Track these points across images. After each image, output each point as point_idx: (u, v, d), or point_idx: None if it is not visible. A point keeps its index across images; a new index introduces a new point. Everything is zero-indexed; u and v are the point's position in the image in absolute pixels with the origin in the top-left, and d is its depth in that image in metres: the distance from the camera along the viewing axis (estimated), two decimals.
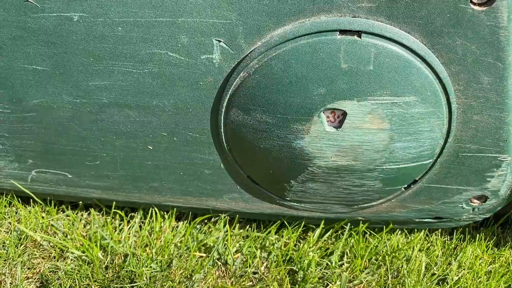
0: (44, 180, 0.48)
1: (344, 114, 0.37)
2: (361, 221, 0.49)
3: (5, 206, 0.53)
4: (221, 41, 0.36)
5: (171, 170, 0.45)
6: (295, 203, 0.46)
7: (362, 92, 0.35)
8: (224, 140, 0.41)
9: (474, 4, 0.32)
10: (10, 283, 0.46)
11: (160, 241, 0.50)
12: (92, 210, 0.52)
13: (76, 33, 0.36)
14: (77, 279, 0.45)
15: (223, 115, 0.40)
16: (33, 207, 0.53)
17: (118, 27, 0.36)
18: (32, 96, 0.41)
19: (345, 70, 0.35)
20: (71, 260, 0.48)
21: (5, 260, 0.48)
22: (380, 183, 0.42)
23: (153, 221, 0.51)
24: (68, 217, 0.53)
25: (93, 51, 0.37)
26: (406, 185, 0.43)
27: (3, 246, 0.50)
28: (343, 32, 0.34)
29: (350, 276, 0.48)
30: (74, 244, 0.49)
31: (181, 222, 0.52)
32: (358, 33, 0.34)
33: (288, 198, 0.45)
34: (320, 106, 0.36)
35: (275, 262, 0.49)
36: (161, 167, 0.45)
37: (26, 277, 0.47)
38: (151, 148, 0.43)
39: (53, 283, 0.46)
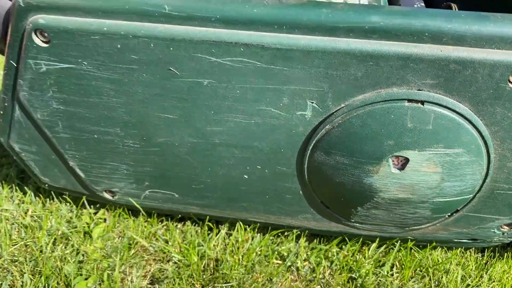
0: (155, 198, 0.60)
1: (407, 159, 0.48)
2: (409, 239, 0.59)
3: (117, 216, 0.65)
4: (313, 103, 0.47)
5: (259, 194, 0.56)
6: (357, 224, 0.57)
7: (422, 145, 0.46)
8: (306, 174, 0.53)
9: None
10: (130, 280, 0.58)
11: (243, 249, 0.62)
12: (188, 222, 0.64)
13: (203, 94, 0.48)
14: (183, 278, 0.57)
15: (308, 155, 0.51)
16: (137, 218, 0.65)
17: (237, 90, 0.47)
18: (159, 136, 0.53)
19: (410, 128, 0.46)
20: (173, 263, 0.60)
21: (123, 263, 0.60)
22: (429, 212, 0.52)
23: (237, 232, 0.63)
24: (165, 227, 0.65)
25: (214, 106, 0.49)
26: (449, 213, 0.54)
27: (116, 249, 0.62)
28: (410, 100, 0.45)
29: (399, 283, 0.59)
30: (174, 249, 0.61)
31: (258, 234, 0.64)
32: (422, 102, 0.45)
33: (352, 220, 0.56)
34: (388, 153, 0.47)
35: (338, 270, 0.60)
36: (251, 192, 0.56)
37: (139, 275, 0.59)
38: (246, 177, 0.55)
39: (163, 281, 0.58)
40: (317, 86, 0.46)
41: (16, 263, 0.58)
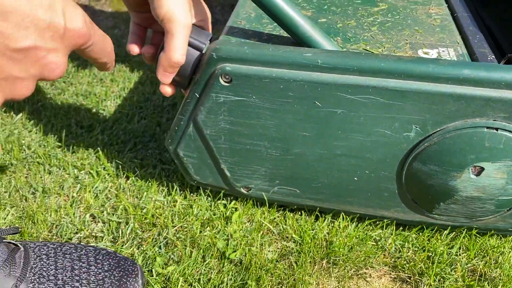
0: (280, 193, 0.80)
1: (482, 168, 0.67)
2: (474, 228, 0.79)
3: (247, 206, 0.85)
4: (417, 127, 0.66)
5: (364, 192, 0.76)
6: (437, 216, 0.76)
7: (495, 158, 0.65)
8: (403, 178, 0.72)
9: None
10: (265, 253, 0.78)
11: (344, 233, 0.81)
12: (299, 211, 0.84)
13: (335, 119, 0.68)
14: (306, 252, 0.77)
15: (407, 164, 0.70)
16: (260, 208, 0.85)
17: (361, 117, 0.67)
18: (296, 148, 0.72)
19: (487, 147, 0.65)
20: (293, 242, 0.80)
21: (257, 241, 0.80)
22: (494, 207, 0.71)
23: (338, 221, 0.82)
24: (281, 215, 0.85)
25: (341, 128, 0.68)
26: (508, 208, 0.73)
27: (248, 231, 0.82)
28: (488, 127, 0.64)
29: (466, 261, 0.78)
30: (292, 232, 0.81)
31: (354, 223, 0.83)
32: (496, 129, 0.64)
33: (433, 213, 0.75)
34: (470, 164, 0.66)
35: (418, 250, 0.79)
36: (358, 190, 0.76)
37: (271, 250, 0.79)
38: (356, 179, 0.74)
39: (289, 254, 0.77)
40: (421, 115, 0.65)
41: (179, 239, 0.79)
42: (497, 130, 0.64)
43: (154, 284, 0.72)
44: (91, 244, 0.77)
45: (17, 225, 0.78)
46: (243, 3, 0.83)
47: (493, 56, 0.71)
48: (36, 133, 1.03)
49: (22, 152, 0.97)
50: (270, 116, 0.69)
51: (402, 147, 0.69)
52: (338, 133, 0.69)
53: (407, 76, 0.63)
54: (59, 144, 0.99)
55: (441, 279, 0.75)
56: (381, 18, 0.79)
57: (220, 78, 0.67)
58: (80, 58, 1.32)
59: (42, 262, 0.69)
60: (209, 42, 0.69)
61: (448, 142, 0.66)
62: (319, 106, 0.67)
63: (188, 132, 0.75)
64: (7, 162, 0.94)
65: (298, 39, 0.68)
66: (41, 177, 0.90)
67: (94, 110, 1.11)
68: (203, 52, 0.68)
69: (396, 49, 0.70)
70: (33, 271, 0.67)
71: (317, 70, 0.65)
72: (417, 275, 0.75)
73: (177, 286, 0.71)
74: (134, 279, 0.69)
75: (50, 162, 0.94)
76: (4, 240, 0.69)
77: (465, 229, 0.80)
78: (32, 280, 0.66)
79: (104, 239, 0.79)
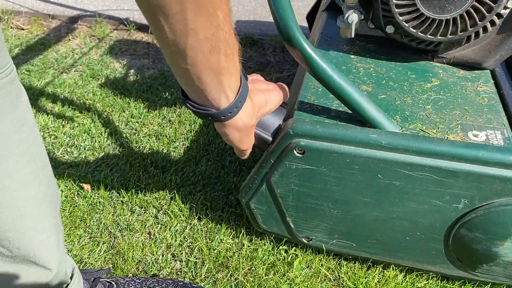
0: (338, 245, 0.91)
1: None
2: None
3: (306, 253, 0.96)
4: (465, 200, 0.76)
5: (414, 249, 0.86)
6: (479, 274, 0.85)
7: None
8: (450, 240, 0.82)
9: None
10: None
11: (393, 283, 0.91)
12: (352, 260, 0.95)
13: (394, 189, 0.78)
14: None
15: (455, 230, 0.80)
16: (317, 255, 0.96)
17: (416, 189, 0.77)
18: (356, 210, 0.83)
19: None
20: (347, 287, 0.91)
21: (316, 286, 0.90)
22: None
23: (388, 271, 0.92)
24: (335, 263, 0.96)
25: (399, 197, 0.79)
26: None
27: (307, 277, 0.93)
28: None
29: None
30: (347, 279, 0.92)
31: (401, 273, 0.93)
32: None
33: (476, 271, 0.84)
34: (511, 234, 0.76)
35: None
36: (408, 247, 0.86)
37: None
38: (408, 238, 0.84)
39: None
40: (470, 191, 0.75)
41: (248, 282, 0.90)
42: None
43: None
44: (170, 278, 0.90)
45: (109, 267, 0.92)
46: (310, 76, 0.95)
47: None
48: (117, 172, 1.17)
49: (107, 191, 1.11)
50: (335, 183, 0.80)
51: (451, 215, 0.79)
52: (395, 200, 0.79)
53: (459, 159, 0.73)
54: (139, 183, 1.13)
55: None
56: (434, 96, 0.89)
57: (294, 150, 0.79)
58: (150, 99, 1.47)
59: None
60: (281, 122, 0.81)
61: (494, 215, 0.75)
62: (380, 178, 0.77)
63: (261, 190, 0.86)
64: (96, 200, 1.08)
65: (364, 120, 0.79)
66: (125, 215, 1.04)
67: (165, 151, 1.25)
68: (272, 139, 0.81)
69: (449, 130, 0.80)
70: None
71: (380, 149, 0.75)
72: None
73: None
74: None
75: (132, 201, 1.08)
76: (101, 279, 0.82)
77: (504, 286, 0.88)
78: None
79: (184, 277, 0.91)
